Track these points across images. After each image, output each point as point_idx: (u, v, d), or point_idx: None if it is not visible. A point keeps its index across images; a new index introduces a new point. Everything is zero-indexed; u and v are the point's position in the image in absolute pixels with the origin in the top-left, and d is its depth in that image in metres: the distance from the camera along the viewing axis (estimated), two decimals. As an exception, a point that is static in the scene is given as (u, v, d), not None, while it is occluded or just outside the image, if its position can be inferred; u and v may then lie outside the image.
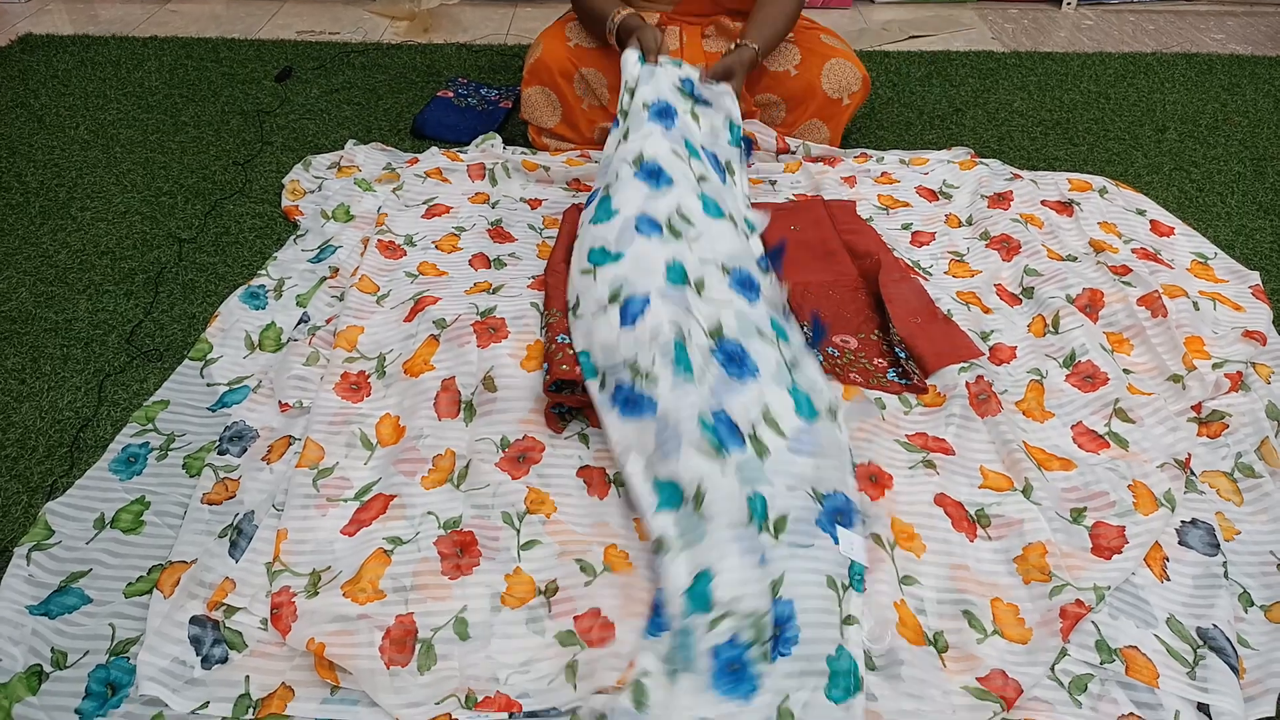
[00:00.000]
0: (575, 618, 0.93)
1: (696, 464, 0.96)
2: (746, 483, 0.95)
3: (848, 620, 0.88)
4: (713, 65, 1.58)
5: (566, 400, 1.13)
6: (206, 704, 0.87)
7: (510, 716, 0.85)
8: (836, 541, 0.93)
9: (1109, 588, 0.95)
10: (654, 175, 1.32)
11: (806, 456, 1.01)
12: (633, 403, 1.05)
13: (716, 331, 1.13)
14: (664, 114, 1.45)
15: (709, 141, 1.50)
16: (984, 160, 1.78)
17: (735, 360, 1.09)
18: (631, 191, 1.29)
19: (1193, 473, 1.12)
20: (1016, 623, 0.93)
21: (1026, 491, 1.05)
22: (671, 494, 0.96)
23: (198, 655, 0.90)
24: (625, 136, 1.42)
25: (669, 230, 1.23)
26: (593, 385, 1.10)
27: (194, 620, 0.92)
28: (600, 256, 1.23)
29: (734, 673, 0.83)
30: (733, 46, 1.61)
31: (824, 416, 1.07)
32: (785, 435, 1.02)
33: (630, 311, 1.12)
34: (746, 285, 1.22)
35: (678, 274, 1.17)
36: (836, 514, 0.97)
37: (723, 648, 0.84)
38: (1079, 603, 0.92)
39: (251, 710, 0.86)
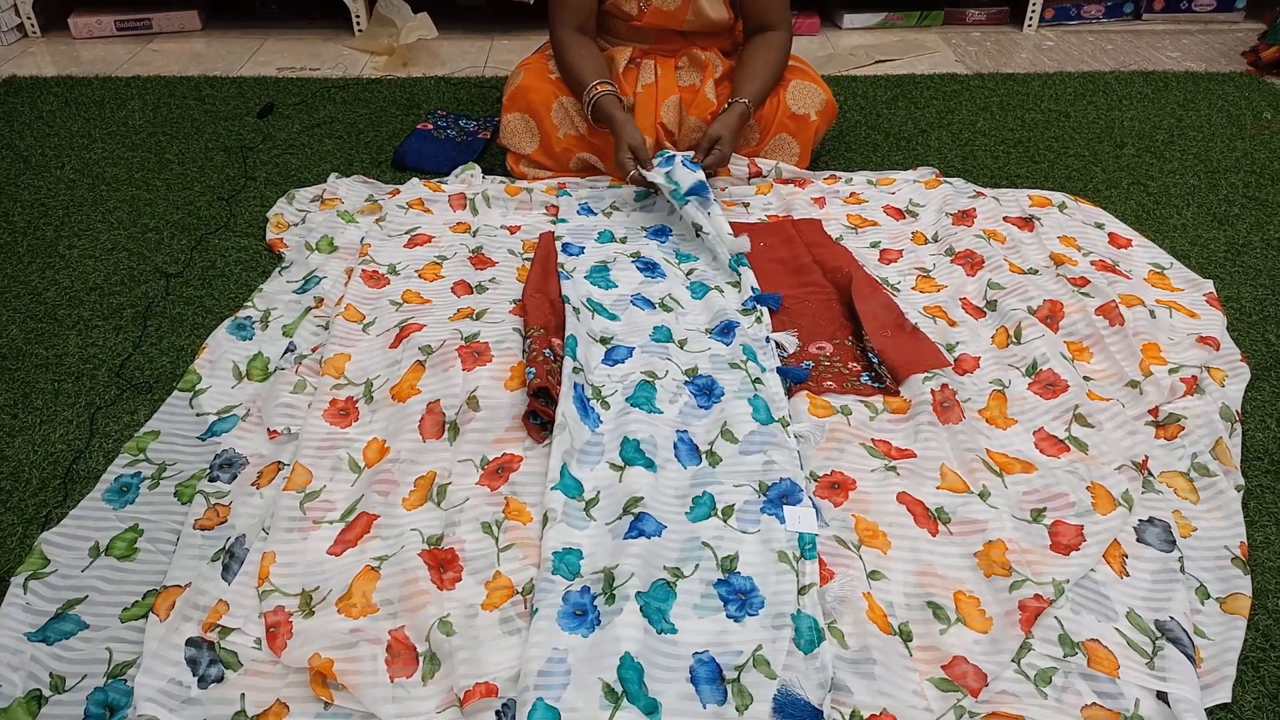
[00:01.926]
0: None
1: (605, 476, 1.13)
2: (697, 485, 1.12)
3: (803, 590, 0.97)
4: (707, 132, 1.67)
5: (543, 412, 1.18)
6: (203, 722, 0.89)
7: (501, 712, 0.88)
8: (783, 521, 1.05)
9: (1068, 581, 0.99)
10: (650, 268, 1.56)
11: (756, 454, 1.15)
12: (583, 407, 1.22)
13: (692, 371, 1.32)
14: (658, 231, 1.68)
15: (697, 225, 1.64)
16: (948, 179, 1.84)
17: (704, 392, 1.27)
18: (630, 274, 1.54)
19: (1150, 474, 1.16)
20: (979, 614, 0.97)
21: (983, 496, 1.10)
22: (573, 486, 1.11)
23: (194, 676, 0.93)
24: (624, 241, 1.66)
25: (660, 307, 1.46)
26: (569, 363, 1.25)
27: (190, 642, 0.95)
28: (599, 308, 1.45)
29: (579, 617, 0.96)
30: (725, 108, 1.69)
31: (777, 422, 1.19)
32: (738, 440, 1.17)
33: (614, 356, 1.34)
34: (724, 332, 1.39)
35: (664, 334, 1.39)
36: (782, 497, 1.09)
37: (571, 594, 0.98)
38: (1038, 597, 0.97)
39: (248, 727, 0.89)
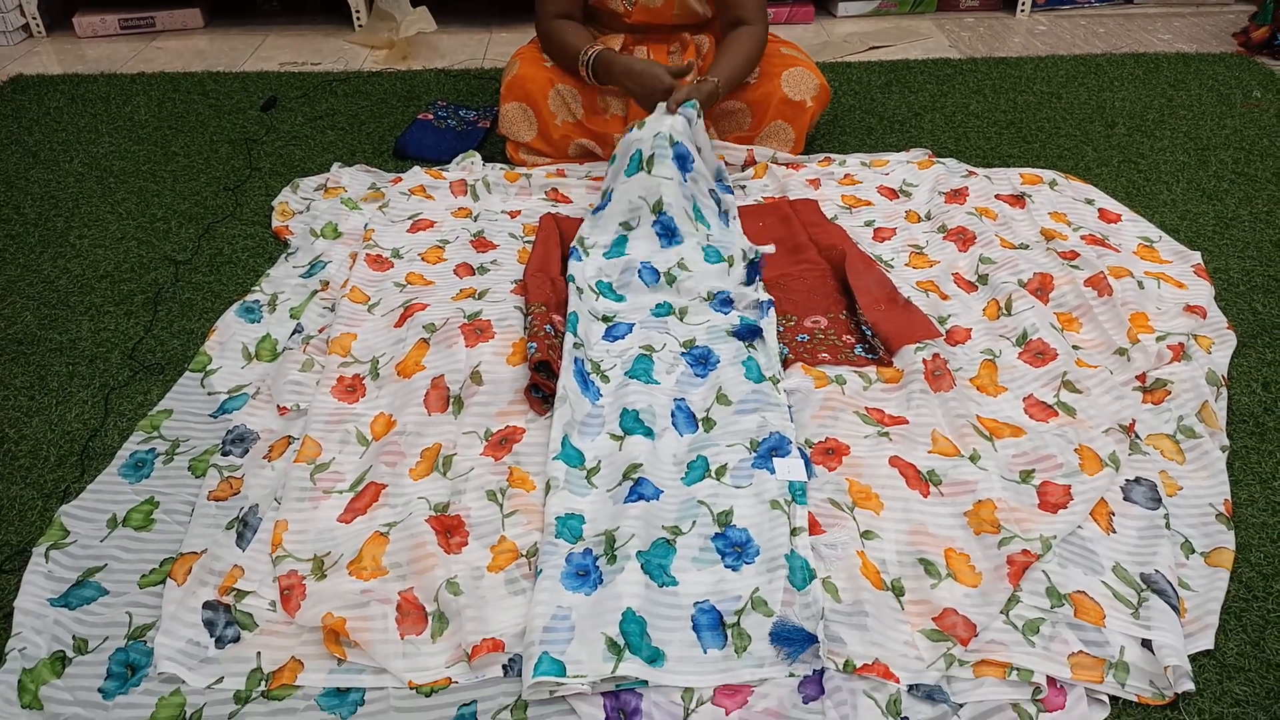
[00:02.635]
0: None
1: (605, 446, 1.17)
2: (693, 451, 1.16)
3: (795, 531, 1.02)
4: (675, 92, 1.65)
5: (545, 385, 1.21)
6: (221, 679, 0.93)
7: (508, 666, 0.92)
8: (773, 473, 1.09)
9: (1055, 538, 1.02)
10: (669, 232, 1.55)
11: (751, 414, 1.18)
12: (584, 381, 1.25)
13: (689, 343, 1.36)
14: (683, 160, 1.58)
15: (709, 177, 1.64)
16: (941, 160, 1.87)
17: (700, 361, 1.31)
18: (645, 243, 1.54)
19: (1137, 436, 1.19)
20: (969, 569, 1.00)
21: (974, 459, 1.13)
22: (574, 456, 1.15)
23: (211, 636, 0.96)
24: (649, 163, 1.56)
25: (665, 278, 1.48)
26: (569, 339, 1.29)
27: (206, 605, 0.99)
28: (605, 289, 1.47)
29: (582, 577, 0.99)
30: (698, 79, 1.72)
31: (768, 380, 1.25)
32: (732, 403, 1.22)
33: (614, 333, 1.38)
34: (724, 303, 1.43)
35: (664, 309, 1.43)
36: (771, 450, 1.13)
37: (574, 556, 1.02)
38: (1025, 552, 1.00)
39: (264, 683, 0.92)
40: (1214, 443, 1.19)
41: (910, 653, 0.93)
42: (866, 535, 1.05)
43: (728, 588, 0.98)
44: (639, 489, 1.09)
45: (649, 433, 1.18)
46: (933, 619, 0.96)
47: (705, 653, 0.92)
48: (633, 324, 1.39)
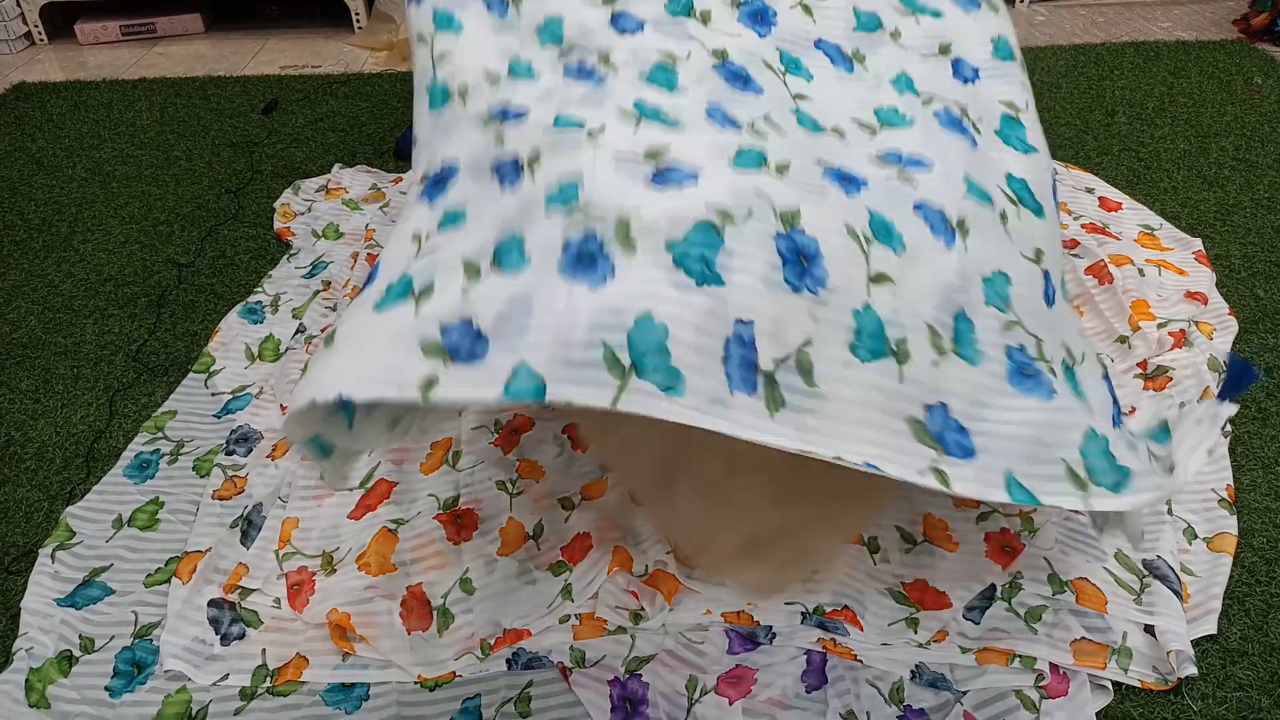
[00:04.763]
0: (561, 549, 1.02)
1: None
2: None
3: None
4: None
5: None
6: (226, 676, 0.93)
7: (515, 654, 0.93)
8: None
9: (1035, 512, 1.03)
10: (741, 79, 1.01)
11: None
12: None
13: (721, 53, 0.99)
14: (756, 14, 1.08)
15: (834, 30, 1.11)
16: (941, 151, 1.86)
17: (739, 78, 0.98)
18: (709, 82, 0.97)
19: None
20: (945, 536, 1.02)
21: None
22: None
23: (217, 634, 0.97)
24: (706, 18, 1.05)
25: (750, 129, 0.92)
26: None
27: (211, 603, 0.99)
28: (653, 113, 0.92)
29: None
30: None
31: (830, 131, 0.96)
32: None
33: (622, 25, 0.99)
34: (759, 20, 1.05)
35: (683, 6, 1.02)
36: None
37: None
38: (1005, 531, 1.01)
39: (269, 679, 0.93)
40: (1216, 429, 1.18)
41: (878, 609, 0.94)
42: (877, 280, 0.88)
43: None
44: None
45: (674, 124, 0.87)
46: (902, 585, 0.97)
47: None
48: (643, 21, 0.98)
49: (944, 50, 1.08)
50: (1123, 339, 1.31)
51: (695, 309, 0.73)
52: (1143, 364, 1.28)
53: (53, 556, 1.06)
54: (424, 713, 0.90)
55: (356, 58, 2.63)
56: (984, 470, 0.77)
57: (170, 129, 2.17)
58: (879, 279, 0.81)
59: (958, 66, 1.06)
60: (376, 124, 2.16)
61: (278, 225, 1.72)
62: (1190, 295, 1.40)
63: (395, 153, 2.01)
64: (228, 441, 1.21)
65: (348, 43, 2.75)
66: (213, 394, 1.31)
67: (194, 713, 0.90)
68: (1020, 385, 0.81)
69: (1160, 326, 1.33)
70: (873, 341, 0.79)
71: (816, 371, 0.76)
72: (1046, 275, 0.90)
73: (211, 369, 1.35)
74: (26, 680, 0.92)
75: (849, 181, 0.87)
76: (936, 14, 1.09)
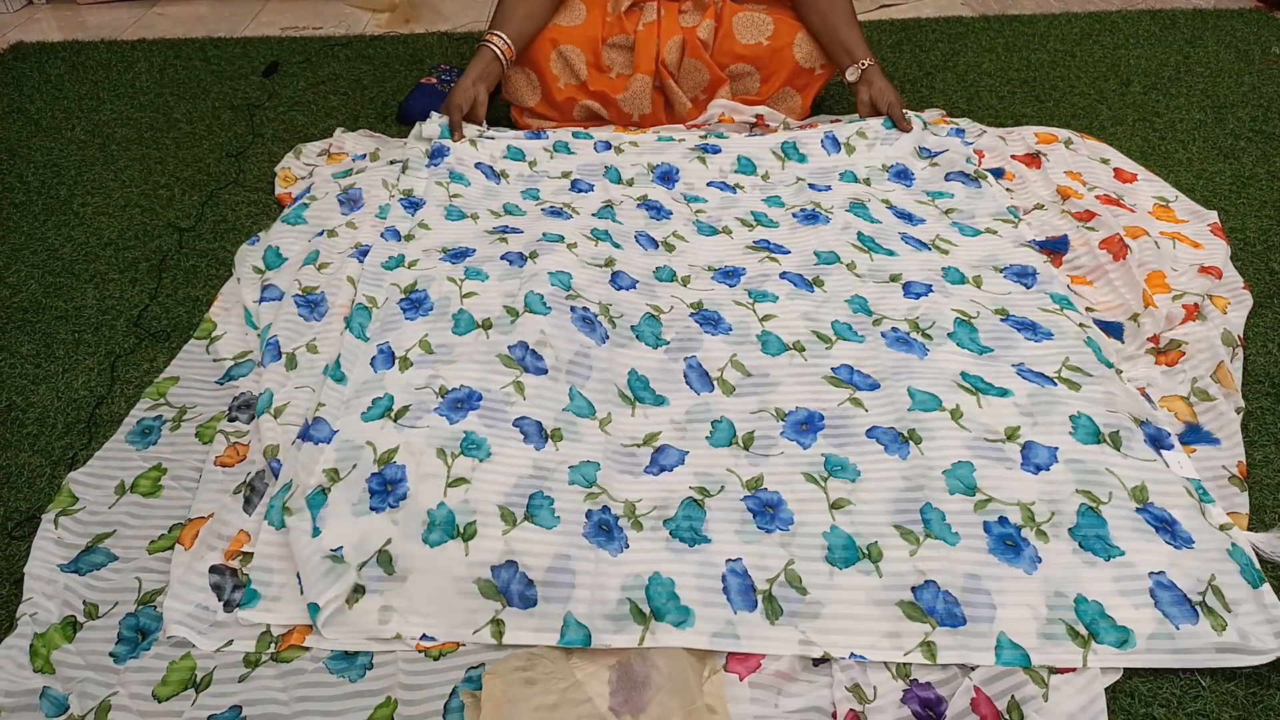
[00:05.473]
0: None
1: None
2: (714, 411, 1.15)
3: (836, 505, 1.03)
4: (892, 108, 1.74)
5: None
6: (230, 642, 0.93)
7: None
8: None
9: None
10: (656, 209, 1.57)
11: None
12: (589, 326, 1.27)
13: (697, 305, 1.33)
14: (665, 175, 1.67)
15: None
16: (954, 120, 1.83)
17: (710, 322, 1.30)
18: (635, 217, 1.55)
19: (1149, 399, 1.18)
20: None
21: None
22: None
23: (219, 600, 0.97)
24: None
25: (664, 245, 1.48)
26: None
27: (214, 569, 0.99)
28: (603, 235, 1.47)
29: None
30: (855, 78, 1.76)
31: (791, 349, 1.25)
32: (751, 374, 1.22)
33: (619, 283, 1.37)
34: (729, 275, 1.40)
35: (666, 274, 1.40)
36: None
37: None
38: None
39: (273, 645, 0.93)
40: (1229, 404, 1.17)
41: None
42: (837, 506, 1.03)
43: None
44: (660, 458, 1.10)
45: (660, 400, 1.18)
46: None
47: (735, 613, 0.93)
48: (636, 281, 1.36)
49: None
50: (1135, 317, 1.29)
51: (692, 563, 0.95)
52: (1155, 338, 1.26)
53: (55, 522, 1.05)
54: (427, 681, 0.89)
55: (358, 19, 2.59)
56: (973, 635, 0.89)
57: (170, 91, 2.14)
58: (838, 504, 1.02)
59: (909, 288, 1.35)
60: (379, 87, 2.13)
61: (279, 190, 1.70)
62: (1204, 269, 1.38)
63: (398, 117, 1.98)
64: (230, 408, 1.20)
65: (349, 4, 2.70)
66: (215, 360, 1.30)
67: (198, 679, 0.90)
68: (1004, 556, 0.95)
69: (1175, 299, 1.31)
70: (845, 551, 0.96)
71: (806, 582, 0.94)
72: (1027, 447, 1.06)
73: (213, 334, 1.34)
74: (31, 645, 0.92)
75: (808, 430, 1.11)
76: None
